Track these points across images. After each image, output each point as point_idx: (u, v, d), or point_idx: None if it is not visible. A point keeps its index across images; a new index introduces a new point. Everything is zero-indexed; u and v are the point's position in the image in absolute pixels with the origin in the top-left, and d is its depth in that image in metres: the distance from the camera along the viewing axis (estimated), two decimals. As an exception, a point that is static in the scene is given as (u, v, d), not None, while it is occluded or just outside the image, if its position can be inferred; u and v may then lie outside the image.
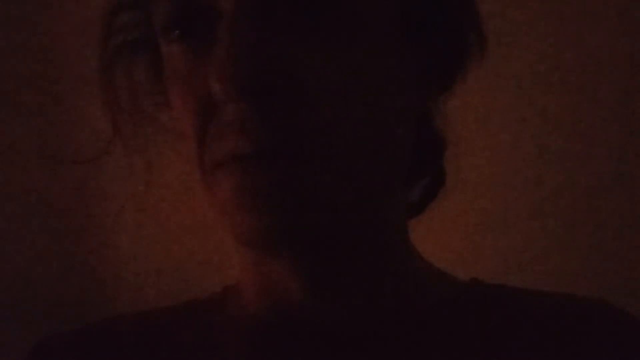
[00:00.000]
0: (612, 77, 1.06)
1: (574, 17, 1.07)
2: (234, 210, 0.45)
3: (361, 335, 0.50)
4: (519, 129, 1.09)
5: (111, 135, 0.54)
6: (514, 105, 1.09)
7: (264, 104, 0.43)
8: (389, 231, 0.52)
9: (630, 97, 1.06)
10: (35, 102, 1.33)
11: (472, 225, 1.11)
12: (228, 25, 0.43)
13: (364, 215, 0.48)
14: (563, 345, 0.50)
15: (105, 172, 1.29)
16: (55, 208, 1.35)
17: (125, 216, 1.32)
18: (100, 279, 1.34)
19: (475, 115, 1.05)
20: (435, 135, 0.55)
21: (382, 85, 0.46)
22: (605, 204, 1.08)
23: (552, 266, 1.09)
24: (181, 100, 0.47)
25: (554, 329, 0.51)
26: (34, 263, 1.34)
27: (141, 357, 0.53)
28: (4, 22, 1.32)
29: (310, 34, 0.44)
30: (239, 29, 0.43)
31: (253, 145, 0.43)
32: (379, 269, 0.51)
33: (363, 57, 0.45)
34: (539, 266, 1.09)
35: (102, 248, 1.35)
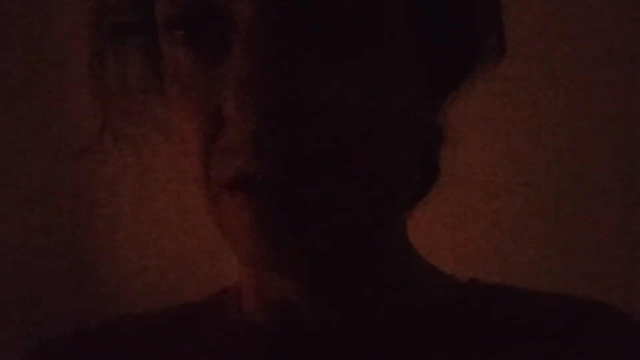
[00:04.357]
0: (612, 77, 1.06)
1: (574, 17, 1.07)
2: (241, 234, 0.43)
3: (361, 338, 0.50)
4: (518, 129, 1.09)
5: (100, 128, 0.51)
6: (514, 106, 1.09)
7: (279, 124, 0.40)
8: (390, 234, 0.51)
9: (630, 97, 1.06)
10: (34, 99, 1.33)
11: (472, 225, 1.11)
12: (246, 38, 0.40)
13: (373, 224, 0.47)
14: (561, 345, 0.50)
15: (104, 171, 1.29)
16: (54, 208, 1.35)
17: (125, 216, 1.32)
18: (100, 279, 1.34)
19: (475, 115, 1.05)
20: (435, 131, 0.53)
21: (400, 103, 0.44)
22: (606, 204, 1.07)
23: (552, 266, 1.08)
24: (184, 111, 0.43)
25: (553, 329, 0.51)
26: (33, 263, 1.34)
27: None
28: (3, 20, 1.32)
29: (331, 51, 0.41)
30: (258, 43, 0.40)
31: (265, 166, 0.41)
32: (379, 271, 0.50)
33: (382, 75, 0.43)
34: (538, 266, 1.09)
35: (102, 248, 1.35)
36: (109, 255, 1.34)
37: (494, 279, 0.56)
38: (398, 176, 0.47)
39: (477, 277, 0.56)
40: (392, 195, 0.47)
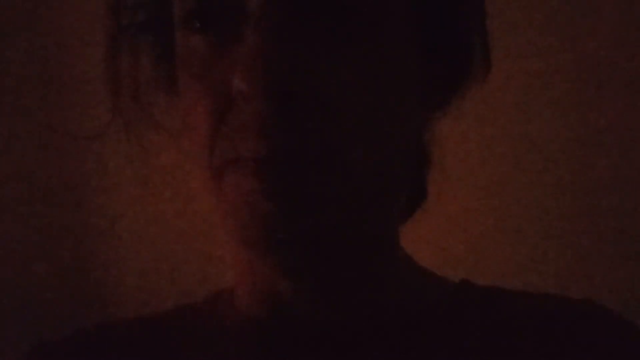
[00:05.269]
0: (612, 77, 1.06)
1: (573, 17, 1.07)
2: (241, 212, 0.44)
3: (354, 337, 0.50)
4: (517, 130, 1.09)
5: (110, 119, 0.53)
6: (513, 106, 1.09)
7: (286, 107, 0.42)
8: (382, 235, 0.52)
9: (630, 98, 1.06)
10: (34, 98, 1.33)
11: (471, 226, 1.11)
12: (257, 25, 0.43)
13: (367, 221, 0.48)
14: (553, 346, 0.51)
15: (105, 171, 1.29)
16: (54, 207, 1.35)
17: (125, 216, 1.32)
18: (100, 279, 1.34)
19: (474, 115, 1.05)
20: (423, 149, 0.55)
21: (398, 97, 0.47)
22: (605, 204, 1.07)
23: (551, 267, 1.09)
24: (195, 93, 0.46)
25: (543, 330, 0.52)
26: (33, 263, 1.34)
27: None
28: (3, 17, 1.32)
29: (336, 41, 0.44)
30: (268, 30, 0.42)
31: (270, 148, 0.43)
32: (372, 272, 0.51)
33: (384, 68, 0.45)
34: (537, 267, 1.09)
35: (102, 248, 1.35)
36: (109, 255, 1.34)
37: (493, 280, 0.56)
38: (393, 177, 0.48)
39: (471, 279, 0.56)
40: (387, 193, 0.49)
